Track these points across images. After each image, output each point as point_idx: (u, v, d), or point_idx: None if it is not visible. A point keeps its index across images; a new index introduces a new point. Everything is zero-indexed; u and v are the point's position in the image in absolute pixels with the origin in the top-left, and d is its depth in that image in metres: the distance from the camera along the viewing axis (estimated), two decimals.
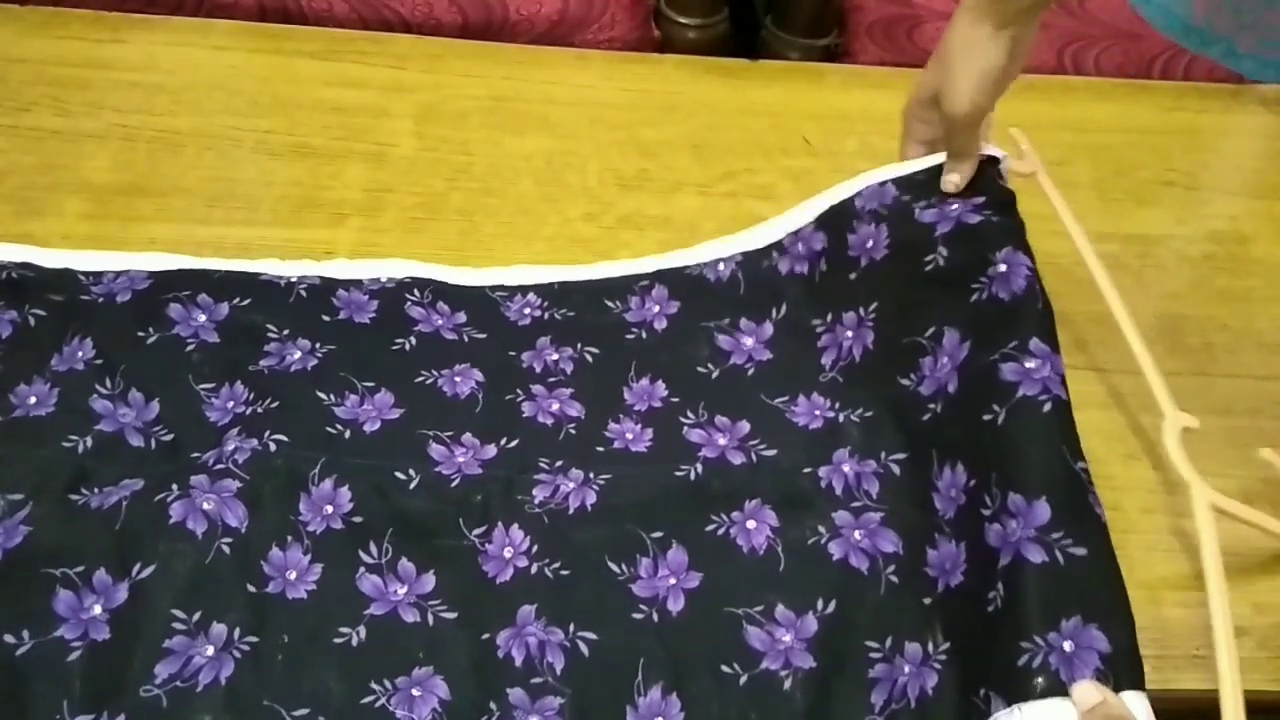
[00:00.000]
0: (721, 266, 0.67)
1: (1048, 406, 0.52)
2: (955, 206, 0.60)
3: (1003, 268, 0.56)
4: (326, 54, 0.83)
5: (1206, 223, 0.79)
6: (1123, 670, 0.45)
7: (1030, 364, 0.53)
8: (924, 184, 0.62)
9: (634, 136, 0.80)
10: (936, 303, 0.58)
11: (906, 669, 0.50)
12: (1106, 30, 0.90)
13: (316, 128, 0.78)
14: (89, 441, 0.56)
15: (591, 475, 0.57)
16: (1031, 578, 0.47)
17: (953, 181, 0.60)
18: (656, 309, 0.66)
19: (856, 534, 0.55)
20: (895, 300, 0.61)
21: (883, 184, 0.63)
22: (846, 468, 0.57)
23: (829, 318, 0.63)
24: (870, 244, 0.62)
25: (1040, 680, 0.45)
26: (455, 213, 0.73)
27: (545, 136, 0.80)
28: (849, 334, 0.62)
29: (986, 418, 0.52)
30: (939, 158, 0.61)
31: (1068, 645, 0.45)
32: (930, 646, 0.51)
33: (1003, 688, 0.46)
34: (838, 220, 0.64)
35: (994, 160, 0.62)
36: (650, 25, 0.94)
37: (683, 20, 0.94)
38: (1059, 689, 0.45)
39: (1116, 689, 0.44)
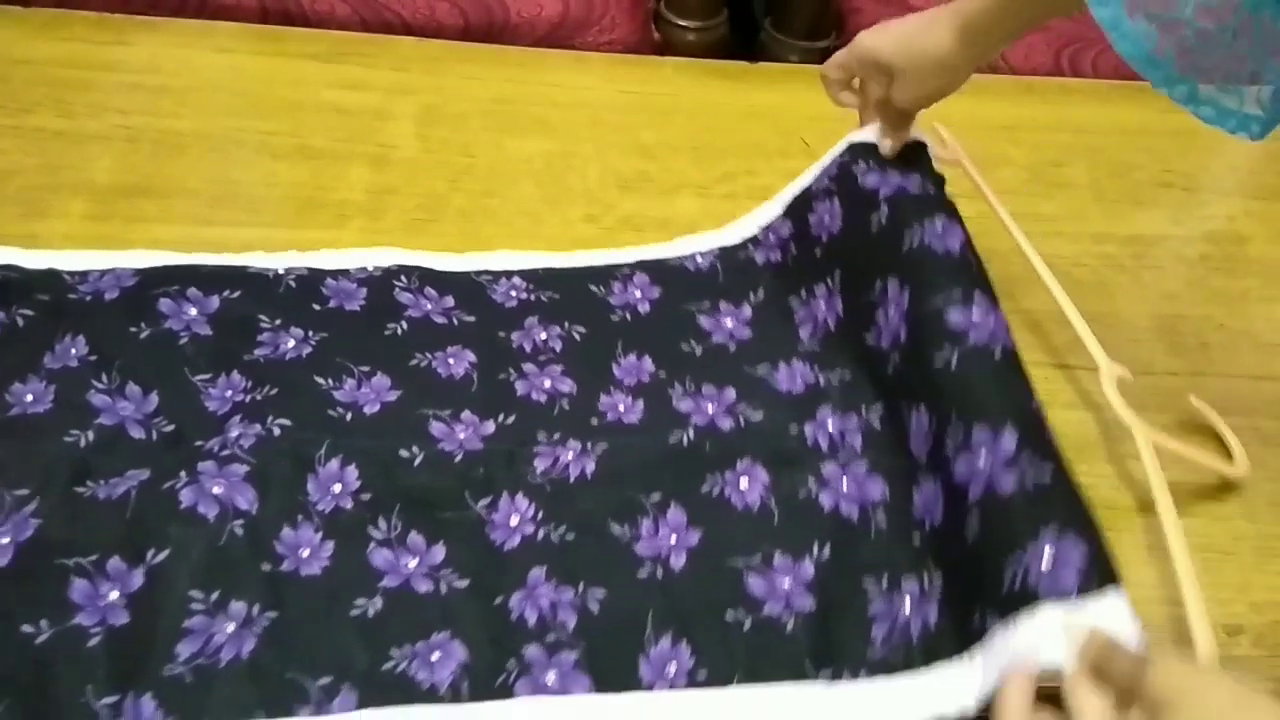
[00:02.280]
0: (700, 258, 0.70)
1: (998, 353, 0.54)
2: (896, 176, 0.63)
3: (939, 226, 0.59)
4: (329, 56, 0.84)
5: (1203, 223, 0.80)
6: (1101, 571, 0.46)
7: (975, 315, 0.55)
8: (864, 148, 0.65)
9: (634, 138, 0.81)
10: (880, 257, 0.61)
11: (907, 604, 0.52)
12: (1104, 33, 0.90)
13: (319, 129, 0.78)
14: (90, 436, 0.57)
15: (589, 445, 0.59)
16: (1006, 503, 0.49)
17: (888, 147, 0.64)
18: (639, 294, 0.68)
19: (845, 484, 0.57)
20: (851, 264, 0.63)
21: (831, 159, 0.67)
22: (830, 424, 0.60)
23: (803, 294, 0.66)
24: (828, 219, 0.65)
25: (1027, 592, 0.46)
26: (457, 214, 0.74)
27: (546, 138, 0.80)
28: (822, 305, 0.65)
29: (938, 363, 0.55)
30: (872, 134, 0.65)
31: (1047, 554, 0.47)
32: (925, 583, 0.53)
33: (995, 607, 0.48)
34: (800, 206, 0.68)
35: (922, 145, 0.65)
36: (650, 28, 0.95)
37: (682, 23, 0.94)
38: (1046, 596, 0.46)
39: (1097, 586, 0.45)
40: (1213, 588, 0.50)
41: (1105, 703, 0.41)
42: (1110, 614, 0.45)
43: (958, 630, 0.50)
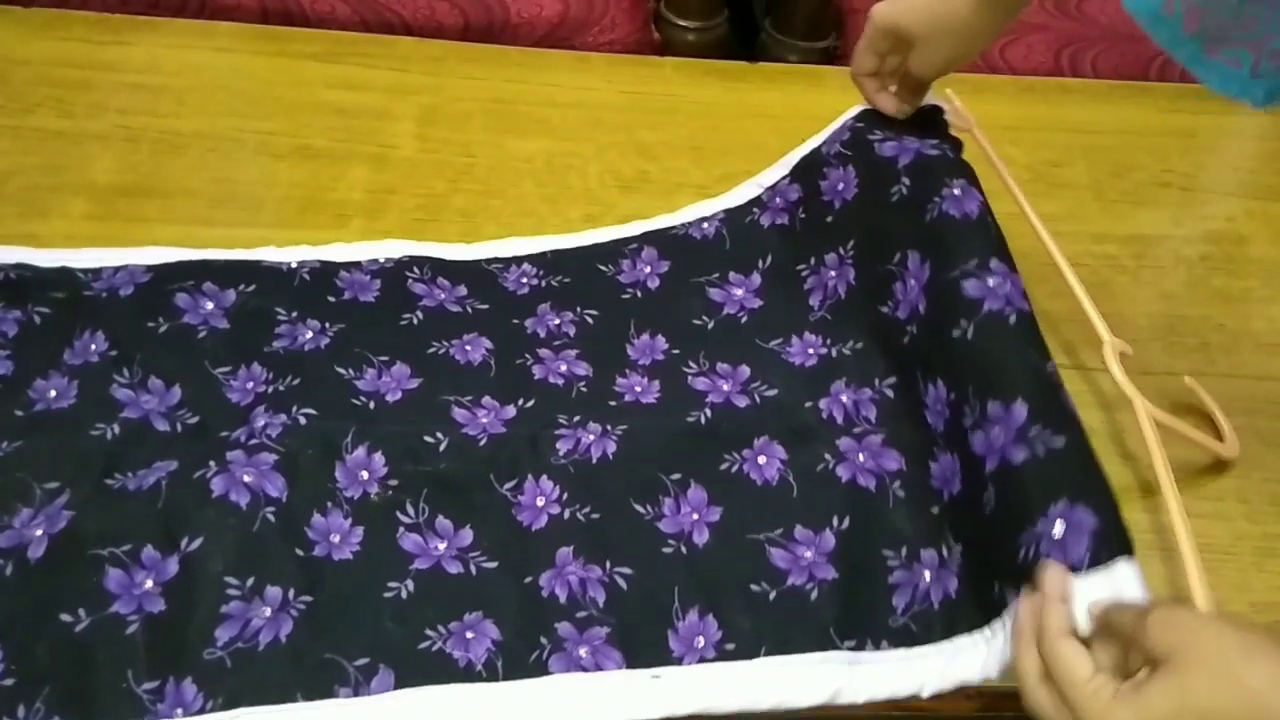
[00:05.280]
0: (705, 225, 0.71)
1: (1013, 319, 0.54)
2: (913, 141, 0.63)
3: (957, 191, 0.59)
4: (329, 56, 0.84)
5: (1203, 223, 0.80)
6: (1113, 541, 0.46)
7: (991, 281, 0.55)
8: (878, 114, 0.65)
9: (634, 138, 0.81)
10: (901, 229, 0.61)
11: (927, 574, 0.54)
12: (1104, 32, 0.90)
13: (319, 129, 0.78)
14: (116, 429, 0.58)
15: (609, 427, 0.59)
16: (1018, 476, 0.50)
17: (904, 111, 0.65)
18: (648, 269, 0.69)
19: (861, 456, 0.58)
20: (868, 233, 0.64)
21: (842, 124, 0.67)
22: (844, 398, 0.61)
23: (812, 261, 0.67)
24: (841, 186, 0.65)
25: (1039, 564, 0.47)
26: (457, 214, 0.74)
27: (546, 138, 0.80)
28: (832, 274, 0.65)
29: (955, 334, 0.55)
30: (886, 105, 0.65)
31: (1058, 528, 0.47)
32: (945, 552, 0.54)
33: (1011, 581, 0.48)
34: (810, 170, 0.68)
35: (938, 109, 0.66)
36: (650, 28, 0.95)
37: (682, 23, 0.94)
38: None
39: (1109, 558, 0.46)
40: (1213, 588, 0.50)
41: (1088, 660, 0.41)
42: (1121, 584, 0.45)
43: (979, 600, 0.51)
